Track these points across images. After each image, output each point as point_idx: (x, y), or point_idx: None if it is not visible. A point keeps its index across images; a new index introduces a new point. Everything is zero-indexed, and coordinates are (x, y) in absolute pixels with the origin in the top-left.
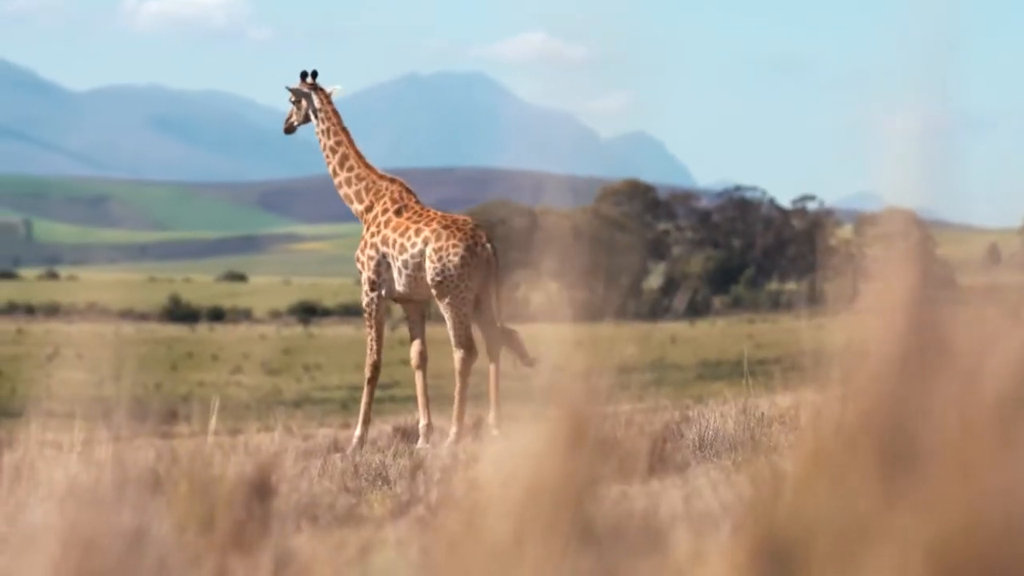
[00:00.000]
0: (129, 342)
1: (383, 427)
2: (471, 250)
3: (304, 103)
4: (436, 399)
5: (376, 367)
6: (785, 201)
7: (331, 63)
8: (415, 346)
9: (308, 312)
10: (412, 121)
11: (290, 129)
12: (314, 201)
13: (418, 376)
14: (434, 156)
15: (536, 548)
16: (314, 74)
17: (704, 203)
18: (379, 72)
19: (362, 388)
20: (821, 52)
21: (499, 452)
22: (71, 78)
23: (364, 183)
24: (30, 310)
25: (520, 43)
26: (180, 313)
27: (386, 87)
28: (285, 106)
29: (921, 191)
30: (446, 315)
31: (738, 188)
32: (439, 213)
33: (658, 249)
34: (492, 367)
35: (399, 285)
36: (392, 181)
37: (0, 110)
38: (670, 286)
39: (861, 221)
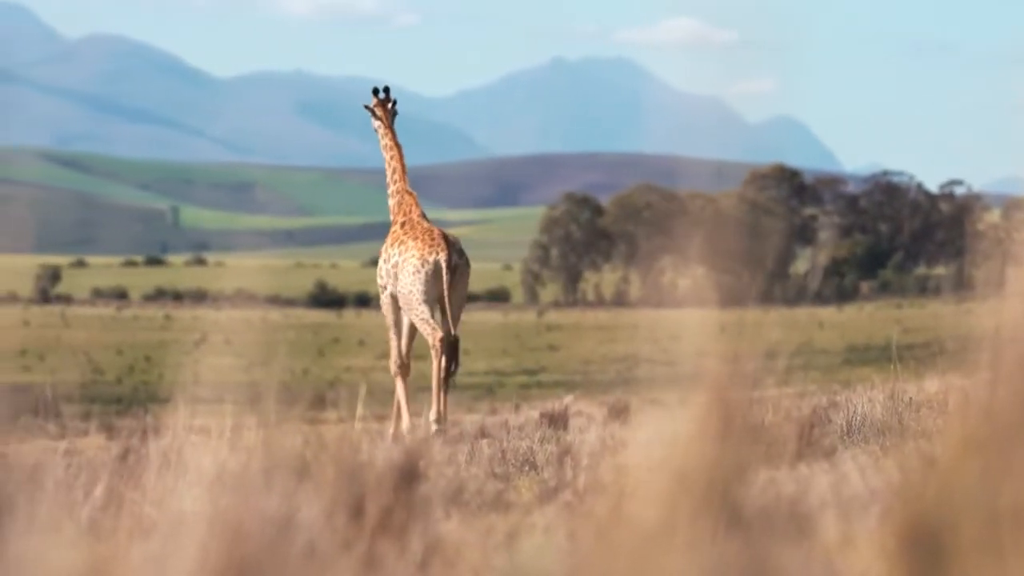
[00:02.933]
0: (276, 328)
1: (530, 413)
2: (424, 259)
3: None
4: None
5: (399, 365)
6: (932, 186)
7: (477, 48)
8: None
9: None
10: (558, 106)
11: None
12: (458, 186)
13: (399, 383)
14: (580, 141)
15: (684, 533)
16: (386, 90)
17: (851, 188)
18: (525, 57)
19: (506, 374)
20: (968, 34)
21: (647, 438)
22: (217, 64)
23: (399, 197)
24: (178, 296)
25: (668, 28)
26: (326, 299)
27: (532, 72)
28: (430, 92)
29: None
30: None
31: (885, 173)
32: (425, 227)
33: (804, 234)
34: (434, 366)
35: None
36: (410, 194)
37: (147, 97)
38: (817, 271)
39: (1009, 206)
